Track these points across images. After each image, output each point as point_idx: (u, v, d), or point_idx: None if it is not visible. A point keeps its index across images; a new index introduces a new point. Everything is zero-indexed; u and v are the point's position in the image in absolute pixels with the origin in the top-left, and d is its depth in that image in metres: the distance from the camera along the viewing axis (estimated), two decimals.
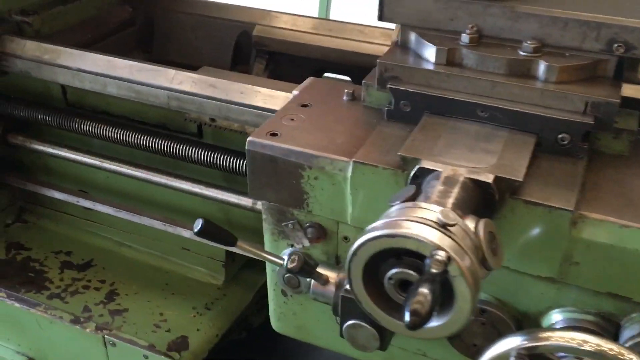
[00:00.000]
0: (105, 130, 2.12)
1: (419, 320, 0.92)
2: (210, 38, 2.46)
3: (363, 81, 1.46)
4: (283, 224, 1.44)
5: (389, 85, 1.35)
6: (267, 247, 1.50)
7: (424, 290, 0.94)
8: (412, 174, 1.19)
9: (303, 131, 1.39)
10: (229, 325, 2.22)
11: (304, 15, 2.34)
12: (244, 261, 2.36)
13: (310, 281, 1.36)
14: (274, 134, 1.37)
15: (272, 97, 1.71)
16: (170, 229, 2.15)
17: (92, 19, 2.41)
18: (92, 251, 2.44)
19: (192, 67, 2.01)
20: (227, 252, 2.24)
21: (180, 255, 2.35)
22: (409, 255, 1.02)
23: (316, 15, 5.21)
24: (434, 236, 0.97)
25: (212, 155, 1.94)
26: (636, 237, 1.11)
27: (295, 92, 1.56)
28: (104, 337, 2.07)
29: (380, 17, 1.42)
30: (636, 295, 1.16)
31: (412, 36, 1.41)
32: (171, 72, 1.84)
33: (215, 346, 2.16)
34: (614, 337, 1.20)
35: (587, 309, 1.23)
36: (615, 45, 1.24)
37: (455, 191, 1.10)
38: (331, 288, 1.34)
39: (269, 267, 1.54)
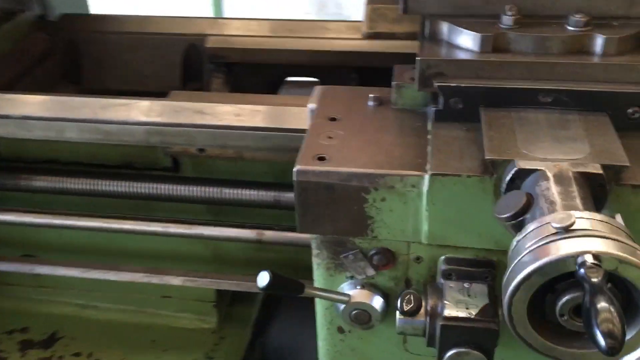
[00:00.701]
0: (56, 181, 1.81)
1: (617, 343, 0.81)
2: (152, 58, 2.16)
3: (393, 82, 1.33)
4: (342, 256, 1.27)
5: (437, 84, 1.22)
6: (320, 283, 1.33)
7: (603, 305, 0.83)
8: (507, 178, 1.07)
9: (351, 149, 1.22)
10: None
11: (255, 18, 2.12)
12: (229, 295, 2.15)
13: (395, 313, 1.22)
14: (321, 158, 1.20)
15: (276, 115, 1.51)
16: (155, 279, 1.89)
17: (8, 54, 2.05)
18: (51, 322, 2.12)
19: (136, 94, 1.76)
20: (218, 290, 2.02)
21: (161, 305, 2.09)
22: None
23: (211, 15, 4.94)
24: (609, 246, 0.86)
25: (200, 188, 1.70)
26: None
27: (311, 105, 1.39)
28: None
29: (405, 10, 1.31)
30: None
31: (444, 26, 1.29)
32: (144, 103, 1.57)
33: None
34: None
35: None
36: None
37: (575, 189, 1.00)
38: (420, 318, 1.20)
39: (320, 305, 1.37)
